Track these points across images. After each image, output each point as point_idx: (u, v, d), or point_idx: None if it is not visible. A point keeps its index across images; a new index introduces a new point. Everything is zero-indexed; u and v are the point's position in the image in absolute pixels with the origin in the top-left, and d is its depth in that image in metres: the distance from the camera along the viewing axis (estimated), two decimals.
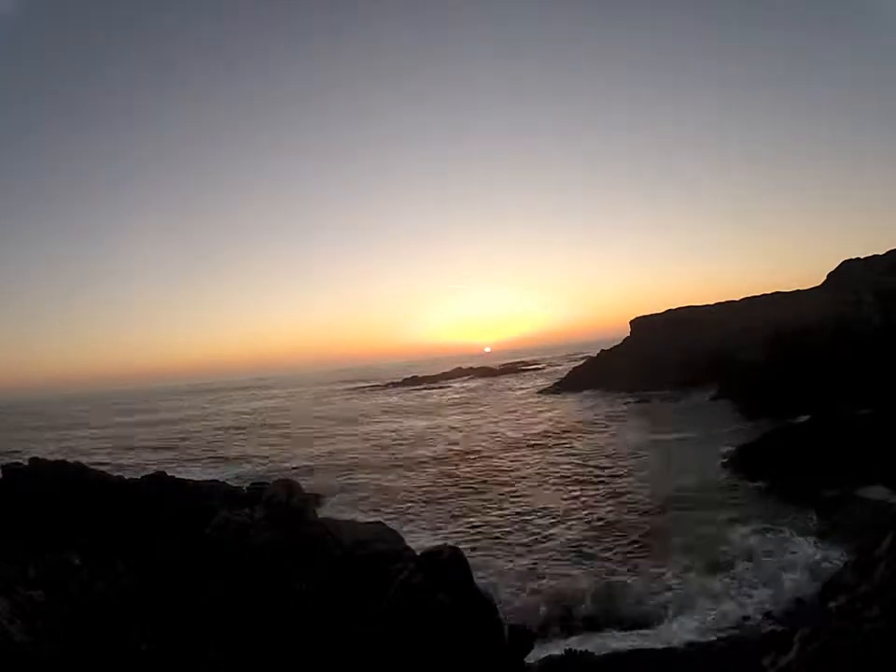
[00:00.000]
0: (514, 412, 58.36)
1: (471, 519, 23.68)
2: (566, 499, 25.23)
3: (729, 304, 65.05)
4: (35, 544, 9.59)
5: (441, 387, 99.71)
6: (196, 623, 8.87)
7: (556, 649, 12.56)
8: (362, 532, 11.82)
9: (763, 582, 15.32)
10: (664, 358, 58.24)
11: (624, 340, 71.14)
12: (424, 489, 29.15)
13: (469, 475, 31.51)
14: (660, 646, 12.90)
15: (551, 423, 47.80)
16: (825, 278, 56.73)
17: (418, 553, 11.06)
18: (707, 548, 17.79)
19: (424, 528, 22.88)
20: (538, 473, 30.57)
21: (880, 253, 49.68)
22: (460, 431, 48.11)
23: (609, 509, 23.28)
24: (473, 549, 19.00)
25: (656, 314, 69.01)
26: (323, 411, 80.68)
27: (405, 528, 20.49)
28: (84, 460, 20.13)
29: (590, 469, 30.42)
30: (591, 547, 19.42)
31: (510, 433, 44.68)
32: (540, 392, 74.39)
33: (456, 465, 34.43)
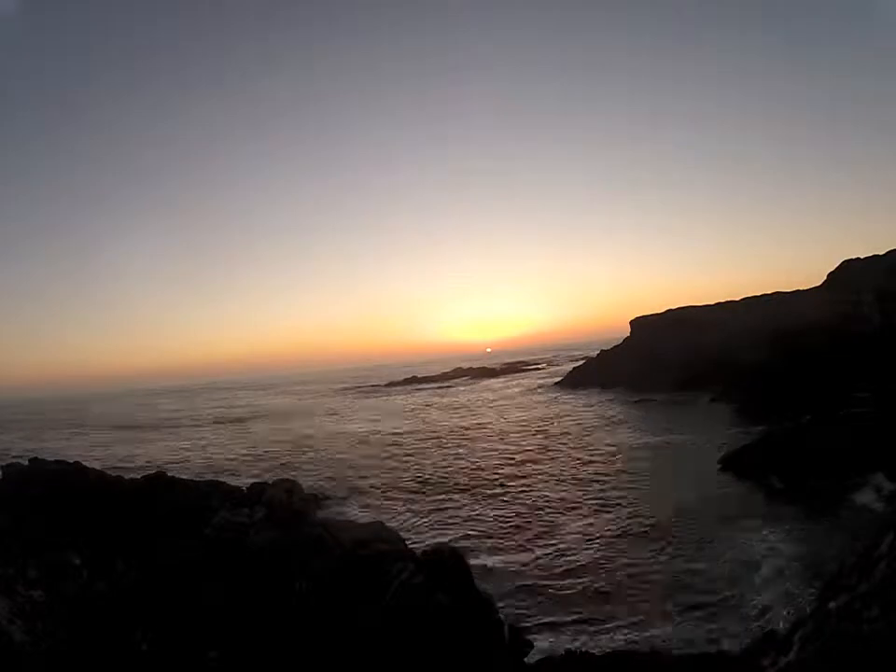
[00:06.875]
0: (512, 412, 58.28)
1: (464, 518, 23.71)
2: (562, 501, 25.22)
3: (729, 304, 65.06)
4: (35, 544, 9.58)
5: (440, 388, 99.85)
6: (196, 623, 8.85)
7: (556, 649, 12.54)
8: (362, 532, 11.80)
9: (761, 583, 15.32)
10: (664, 358, 58.25)
11: (624, 340, 71.17)
12: (421, 490, 29.16)
13: (466, 473, 31.51)
14: (660, 645, 12.88)
15: (548, 424, 47.75)
16: (825, 278, 56.75)
17: (418, 553, 11.07)
18: (703, 552, 17.79)
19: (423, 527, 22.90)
20: (536, 474, 30.53)
21: (880, 253, 49.66)
22: (456, 431, 48.08)
23: (604, 508, 23.30)
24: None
25: (656, 314, 69.03)
26: (318, 414, 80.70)
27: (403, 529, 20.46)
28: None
29: (587, 470, 30.39)
30: (585, 550, 19.41)
31: (507, 431, 44.63)
32: (540, 392, 74.40)
33: (454, 467, 34.41)
